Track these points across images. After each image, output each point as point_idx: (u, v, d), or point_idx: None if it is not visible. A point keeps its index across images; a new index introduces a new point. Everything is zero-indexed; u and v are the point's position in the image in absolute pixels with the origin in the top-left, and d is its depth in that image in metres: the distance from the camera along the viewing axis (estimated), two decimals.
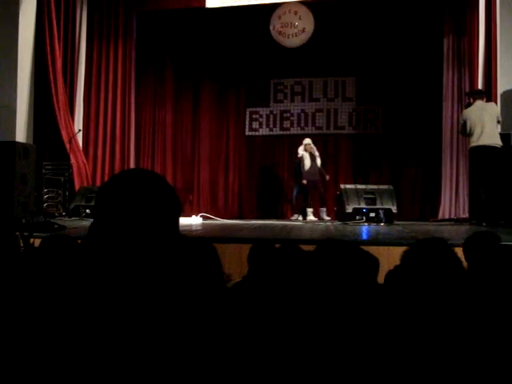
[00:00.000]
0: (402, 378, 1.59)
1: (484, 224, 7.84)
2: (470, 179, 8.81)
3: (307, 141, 11.38)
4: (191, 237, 6.04)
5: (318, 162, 11.31)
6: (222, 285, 2.24)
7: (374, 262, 1.94)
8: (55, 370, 1.24)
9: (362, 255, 1.86)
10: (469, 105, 8.59)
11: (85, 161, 11.23)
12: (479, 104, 8.36)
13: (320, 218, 11.16)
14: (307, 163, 11.26)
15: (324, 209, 11.37)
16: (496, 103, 8.88)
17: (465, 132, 8.40)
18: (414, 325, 1.79)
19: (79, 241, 2.99)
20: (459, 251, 3.23)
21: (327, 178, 11.40)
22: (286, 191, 12.25)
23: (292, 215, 11.64)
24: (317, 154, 11.30)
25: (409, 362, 1.62)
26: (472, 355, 1.70)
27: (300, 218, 11.33)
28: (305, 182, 11.35)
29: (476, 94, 8.58)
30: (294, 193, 11.60)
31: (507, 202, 8.16)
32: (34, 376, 1.25)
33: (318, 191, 11.42)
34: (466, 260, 3.19)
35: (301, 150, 11.43)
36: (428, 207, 11.24)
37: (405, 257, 2.23)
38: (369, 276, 1.85)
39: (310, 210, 11.38)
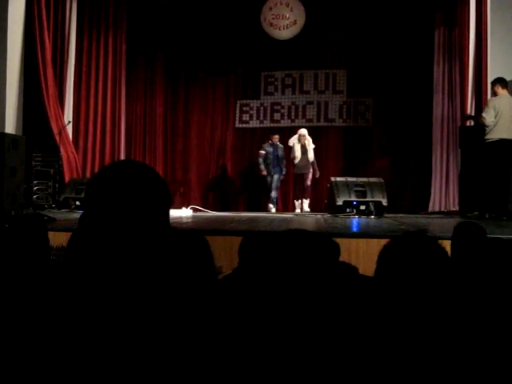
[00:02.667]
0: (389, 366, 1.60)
1: (487, 216, 7.75)
2: (483, 172, 8.11)
3: (303, 131, 11.30)
4: (182, 229, 6.03)
5: (311, 155, 11.20)
6: (214, 277, 2.24)
7: (335, 247, 1.94)
8: (43, 360, 1.24)
9: (323, 241, 1.85)
10: (493, 93, 8.26)
11: (75, 152, 11.18)
12: (508, 95, 8.03)
13: (302, 210, 11.12)
14: (298, 155, 11.18)
15: (307, 201, 11.33)
16: (486, 96, 8.90)
17: (489, 120, 7.89)
18: (402, 317, 1.79)
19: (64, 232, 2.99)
20: (449, 244, 3.25)
21: (317, 175, 11.33)
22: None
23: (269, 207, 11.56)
24: (312, 146, 11.20)
25: (394, 352, 1.63)
26: (460, 347, 1.70)
27: (273, 209, 11.34)
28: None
29: (503, 82, 8.11)
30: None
31: (496, 194, 8.13)
32: (18, 366, 1.24)
33: (303, 184, 11.40)
34: (452, 251, 3.19)
35: (293, 140, 11.32)
36: (418, 200, 11.26)
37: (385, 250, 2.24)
38: (330, 260, 1.86)
39: (297, 203, 11.34)
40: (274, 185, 11.51)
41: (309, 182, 11.42)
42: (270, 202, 11.44)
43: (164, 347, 1.26)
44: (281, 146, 11.59)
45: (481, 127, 8.40)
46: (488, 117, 7.92)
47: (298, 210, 11.21)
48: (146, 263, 1.33)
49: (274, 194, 11.47)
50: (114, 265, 1.31)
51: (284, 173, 11.66)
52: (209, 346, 1.31)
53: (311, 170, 11.37)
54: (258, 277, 1.77)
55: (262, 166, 11.58)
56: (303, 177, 11.35)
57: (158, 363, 1.25)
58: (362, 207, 9.18)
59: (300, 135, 11.25)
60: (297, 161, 11.21)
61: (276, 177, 11.52)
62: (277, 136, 11.70)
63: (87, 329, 1.25)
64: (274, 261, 1.75)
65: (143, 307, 1.28)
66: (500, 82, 8.18)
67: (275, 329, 1.59)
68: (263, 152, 11.59)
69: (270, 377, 1.48)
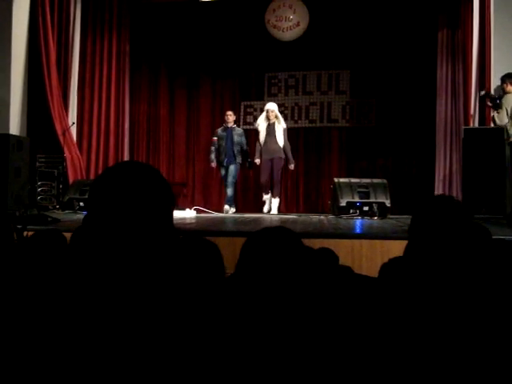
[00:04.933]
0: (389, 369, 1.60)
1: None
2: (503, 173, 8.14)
3: (269, 106, 10.28)
4: (187, 230, 6.05)
5: (279, 137, 10.06)
6: (222, 279, 2.25)
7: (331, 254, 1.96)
8: (47, 365, 1.24)
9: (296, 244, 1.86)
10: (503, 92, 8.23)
11: (79, 154, 11.21)
12: None
13: (268, 212, 10.34)
14: (262, 137, 10.17)
15: (276, 200, 10.36)
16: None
17: (504, 119, 7.94)
18: (408, 319, 1.79)
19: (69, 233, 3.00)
20: None
21: (291, 167, 10.23)
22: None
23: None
24: (283, 126, 10.18)
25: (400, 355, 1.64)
26: (467, 352, 1.70)
27: (231, 209, 10.35)
28: (257, 161, 10.24)
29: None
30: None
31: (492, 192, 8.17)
32: (23, 371, 1.25)
33: (272, 174, 10.21)
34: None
35: (260, 120, 10.34)
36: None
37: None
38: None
39: (267, 197, 10.39)
40: (229, 180, 10.34)
41: (280, 175, 10.33)
42: (226, 203, 10.39)
43: (169, 349, 1.26)
44: (238, 129, 10.66)
45: (484, 129, 8.47)
46: (499, 120, 8.05)
47: (266, 208, 10.25)
48: (150, 264, 1.34)
49: (229, 191, 10.30)
50: (117, 265, 1.32)
51: (245, 163, 10.45)
52: (214, 346, 1.32)
53: (283, 157, 10.22)
54: (255, 276, 1.77)
55: (212, 156, 10.41)
56: (271, 165, 10.23)
57: (163, 363, 1.25)
58: (366, 208, 9.17)
59: (267, 111, 10.14)
60: (261, 144, 10.15)
61: (231, 169, 10.32)
62: (230, 113, 10.66)
63: (91, 330, 1.26)
64: (265, 258, 1.76)
65: (147, 308, 1.29)
66: (509, 77, 8.17)
67: (276, 328, 1.59)
68: (215, 138, 10.52)
69: (274, 376, 1.49)
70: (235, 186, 10.64)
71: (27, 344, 1.28)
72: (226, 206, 10.37)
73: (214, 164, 10.54)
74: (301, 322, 1.61)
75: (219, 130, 10.67)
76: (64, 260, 2.75)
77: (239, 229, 7.02)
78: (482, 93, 9.04)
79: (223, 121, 10.95)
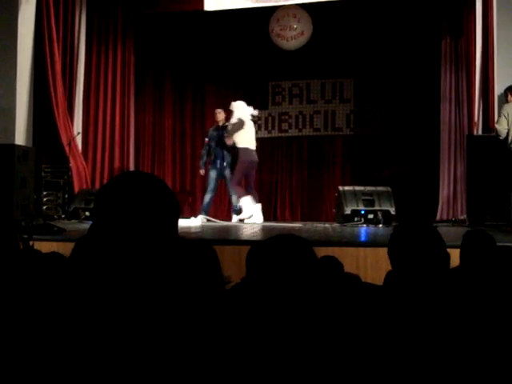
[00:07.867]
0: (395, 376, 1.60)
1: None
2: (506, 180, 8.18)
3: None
4: (190, 239, 6.05)
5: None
6: (221, 286, 2.25)
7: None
8: (54, 372, 1.25)
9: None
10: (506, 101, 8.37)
11: (84, 163, 11.23)
12: None
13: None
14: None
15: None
16: (494, 105, 8.89)
17: (501, 129, 8.02)
18: (412, 325, 1.80)
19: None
20: (457, 252, 3.26)
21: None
22: (284, 193, 12.22)
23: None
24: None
25: (405, 362, 1.64)
26: (469, 356, 1.71)
27: (204, 218, 9.97)
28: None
29: None
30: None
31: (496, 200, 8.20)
32: (30, 378, 1.26)
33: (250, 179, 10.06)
34: (461, 259, 3.21)
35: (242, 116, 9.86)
36: (426, 208, 11.21)
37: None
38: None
39: (259, 206, 10.06)
40: (228, 186, 10.07)
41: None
42: (234, 212, 10.09)
43: (171, 358, 1.27)
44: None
45: (488, 136, 8.49)
46: (500, 127, 8.04)
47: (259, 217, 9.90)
48: (155, 273, 1.34)
49: (234, 199, 9.93)
50: (122, 275, 1.33)
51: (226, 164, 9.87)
52: (216, 355, 1.32)
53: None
54: (263, 286, 1.78)
55: (202, 162, 10.19)
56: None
57: (165, 374, 1.26)
58: (370, 216, 9.17)
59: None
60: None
61: (228, 176, 10.03)
62: (219, 111, 10.27)
63: (92, 338, 1.26)
64: (275, 267, 1.77)
65: (151, 318, 1.30)
66: (510, 89, 8.28)
67: (282, 338, 1.60)
68: (206, 139, 10.11)
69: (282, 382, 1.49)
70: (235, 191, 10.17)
71: (33, 346, 1.29)
72: (235, 216, 10.10)
73: (202, 171, 10.33)
74: (313, 332, 1.62)
75: (211, 130, 10.33)
76: (67, 269, 2.76)
77: (244, 237, 7.02)
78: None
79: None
